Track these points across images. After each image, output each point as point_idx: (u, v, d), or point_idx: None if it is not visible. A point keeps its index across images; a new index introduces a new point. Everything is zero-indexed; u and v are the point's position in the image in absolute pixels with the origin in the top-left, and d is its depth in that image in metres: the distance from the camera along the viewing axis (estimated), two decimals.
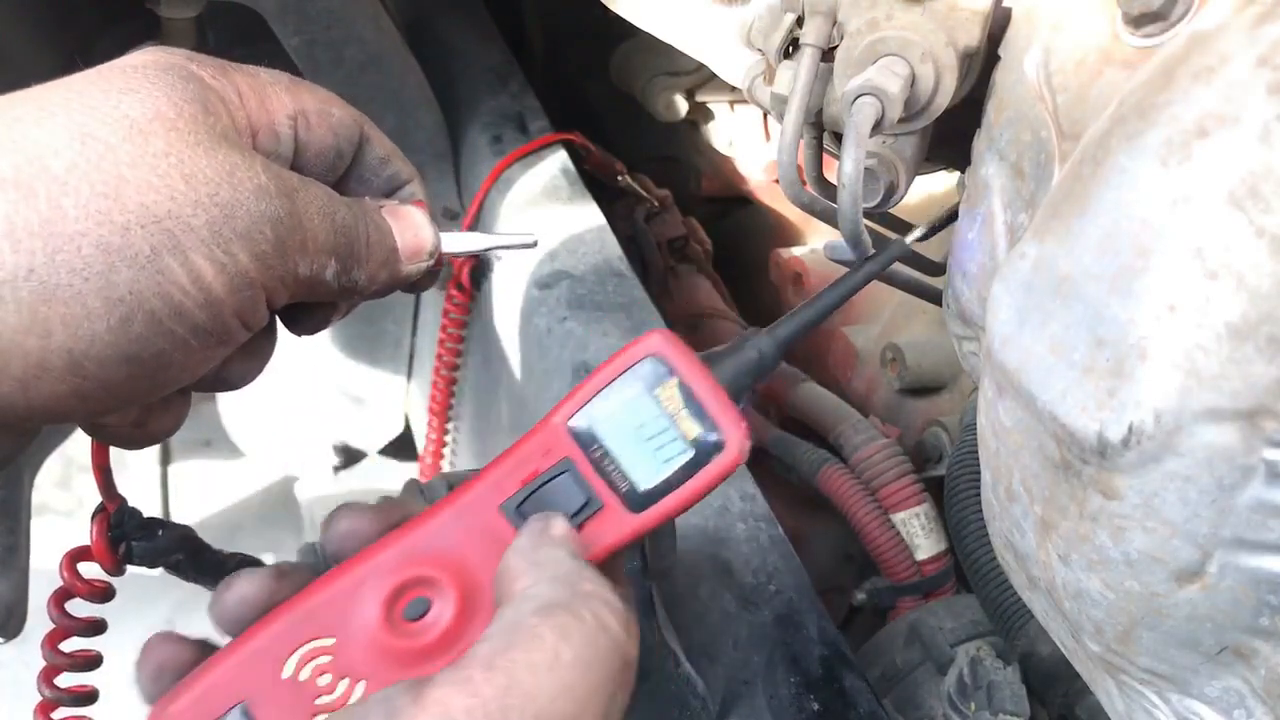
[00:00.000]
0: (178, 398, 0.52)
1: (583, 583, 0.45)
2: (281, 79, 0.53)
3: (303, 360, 1.70)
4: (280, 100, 0.51)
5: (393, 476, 1.91)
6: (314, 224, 0.48)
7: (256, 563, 0.62)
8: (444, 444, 1.55)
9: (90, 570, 0.58)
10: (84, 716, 0.60)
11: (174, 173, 0.44)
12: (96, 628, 0.58)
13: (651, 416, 0.50)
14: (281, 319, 0.55)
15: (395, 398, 1.76)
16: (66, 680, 0.59)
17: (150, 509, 1.96)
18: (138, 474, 1.98)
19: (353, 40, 1.29)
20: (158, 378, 0.46)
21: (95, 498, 0.58)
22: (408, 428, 1.82)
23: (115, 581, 0.59)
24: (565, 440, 0.50)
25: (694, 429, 0.49)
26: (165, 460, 2.01)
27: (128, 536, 0.56)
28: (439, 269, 0.57)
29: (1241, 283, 0.39)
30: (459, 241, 0.58)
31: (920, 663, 1.00)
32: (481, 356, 1.41)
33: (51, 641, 0.57)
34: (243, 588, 0.47)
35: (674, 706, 0.74)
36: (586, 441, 0.50)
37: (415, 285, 0.57)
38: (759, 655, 0.81)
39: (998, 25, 0.55)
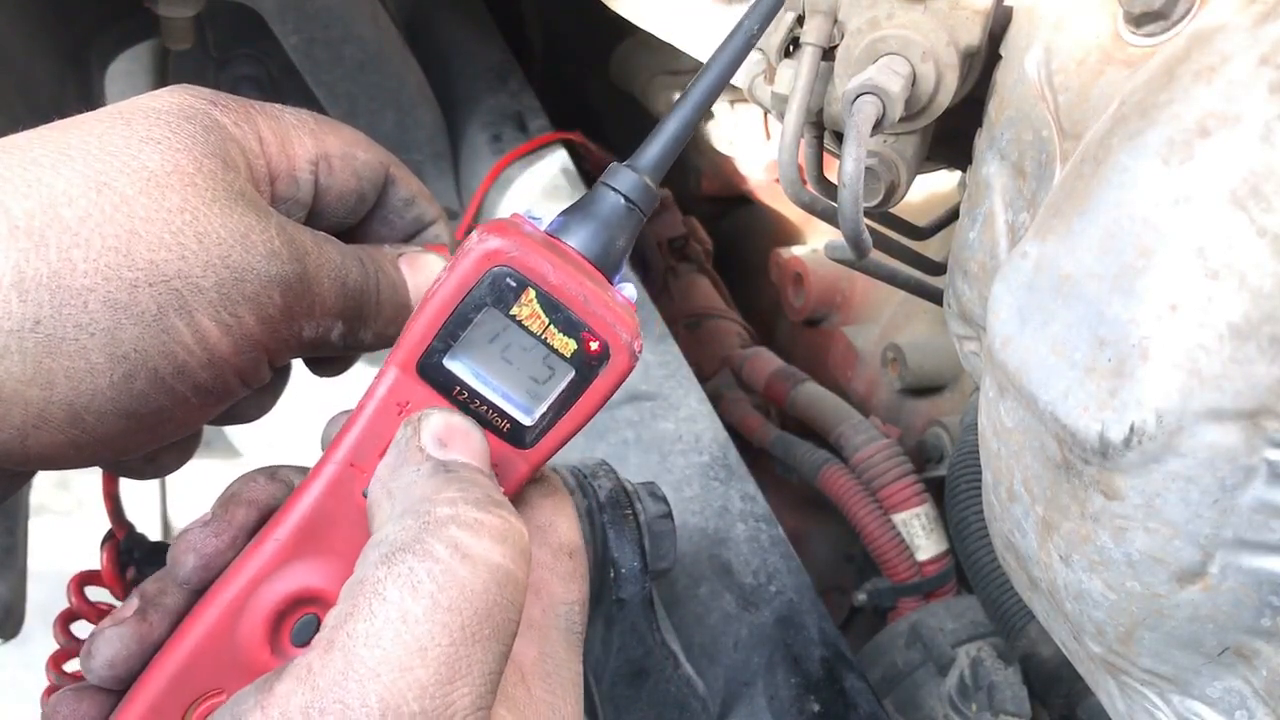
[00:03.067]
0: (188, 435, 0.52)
1: (437, 506, 0.39)
2: (307, 121, 0.52)
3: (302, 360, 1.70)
4: (303, 144, 0.51)
5: None
6: (323, 288, 0.48)
7: None
8: None
9: (96, 593, 0.59)
10: None
11: (187, 230, 0.43)
12: None
13: (515, 341, 0.43)
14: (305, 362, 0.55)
15: None
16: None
17: (148, 509, 1.96)
18: None
19: (351, 39, 1.29)
20: (156, 431, 0.45)
21: (94, 498, 0.59)
22: None
23: None
24: (419, 389, 0.44)
25: (569, 343, 0.43)
26: None
27: (136, 563, 0.57)
28: None
29: (1243, 282, 0.39)
30: None
31: (921, 663, 1.00)
32: None
33: (56, 662, 0.58)
34: (106, 651, 0.44)
35: (674, 707, 0.74)
36: (445, 385, 0.44)
37: None
38: (759, 656, 0.81)
39: (999, 24, 0.55)
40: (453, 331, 0.43)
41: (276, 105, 0.51)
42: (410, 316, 0.45)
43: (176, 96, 0.47)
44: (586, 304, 0.43)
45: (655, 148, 0.46)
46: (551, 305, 0.43)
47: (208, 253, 0.43)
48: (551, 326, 0.43)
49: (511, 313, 0.43)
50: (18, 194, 0.41)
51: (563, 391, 0.44)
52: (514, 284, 0.43)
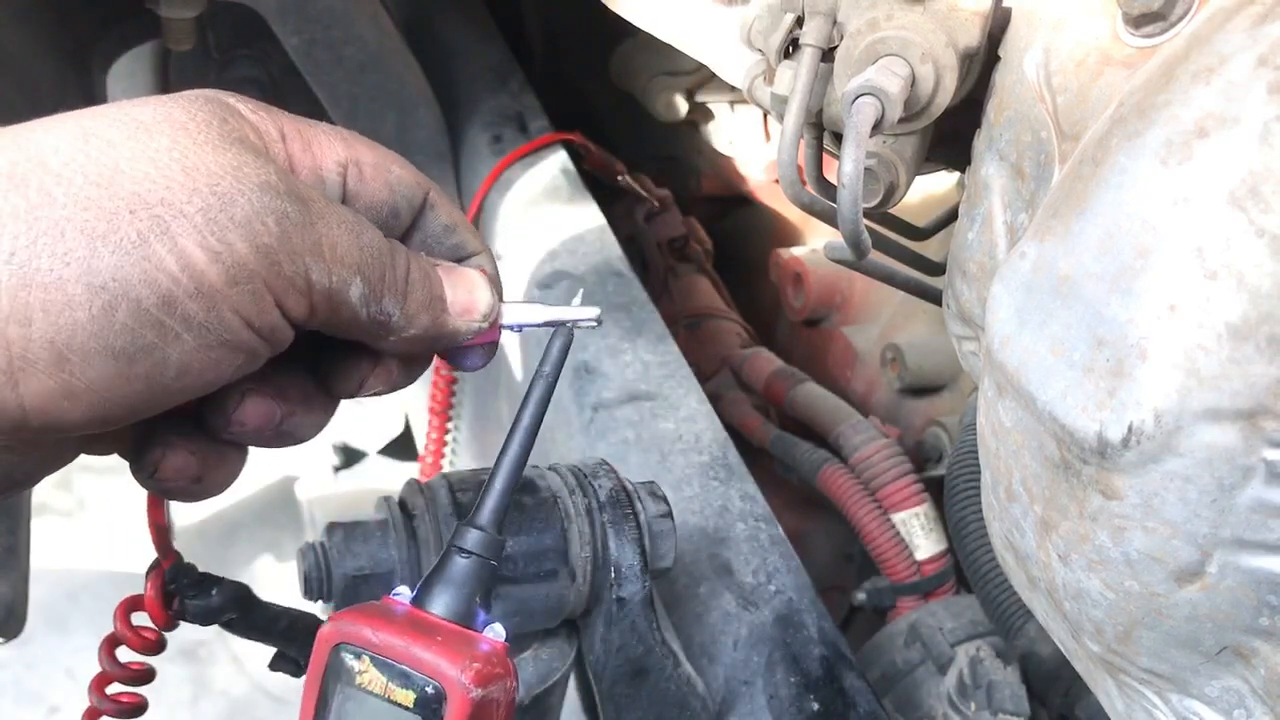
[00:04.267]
0: (233, 451, 0.50)
1: None
2: (339, 131, 0.50)
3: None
4: (331, 148, 0.49)
5: (393, 476, 1.91)
6: (332, 231, 0.45)
7: (310, 619, 0.62)
8: (444, 444, 1.55)
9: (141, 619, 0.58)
10: None
11: (174, 165, 0.42)
12: (145, 676, 0.58)
13: (369, 708, 0.46)
14: (316, 375, 0.52)
15: (395, 398, 1.76)
16: None
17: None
18: None
19: (352, 40, 1.29)
20: (153, 378, 0.43)
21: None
22: (408, 428, 1.82)
23: None
24: None
25: (408, 694, 0.45)
26: None
27: (182, 593, 0.56)
28: (493, 342, 0.54)
29: (1242, 283, 0.39)
30: (517, 313, 0.54)
31: (920, 663, 1.00)
32: None
33: (99, 686, 0.57)
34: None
35: (674, 706, 0.74)
36: None
37: (465, 358, 0.54)
38: (759, 655, 0.81)
39: (998, 25, 0.55)
40: (323, 716, 0.46)
41: (308, 119, 0.50)
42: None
43: (192, 91, 0.46)
44: (412, 654, 0.45)
45: (490, 501, 0.51)
46: (383, 664, 0.46)
47: (194, 181, 0.42)
48: (390, 684, 0.46)
49: (357, 683, 0.46)
50: (5, 150, 0.41)
51: None
52: (351, 655, 0.46)
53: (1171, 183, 0.41)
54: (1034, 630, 0.92)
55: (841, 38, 0.56)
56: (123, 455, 0.50)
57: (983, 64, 0.57)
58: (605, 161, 1.48)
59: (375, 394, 0.53)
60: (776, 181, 1.28)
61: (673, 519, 0.72)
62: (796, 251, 1.45)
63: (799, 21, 0.58)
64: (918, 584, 1.11)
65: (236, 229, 0.42)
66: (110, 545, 1.97)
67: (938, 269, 0.71)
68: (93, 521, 2.05)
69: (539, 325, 0.55)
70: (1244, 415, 0.40)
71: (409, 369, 0.53)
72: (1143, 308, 0.41)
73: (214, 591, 0.56)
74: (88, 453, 0.50)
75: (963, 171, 0.61)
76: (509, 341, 1.25)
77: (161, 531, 0.54)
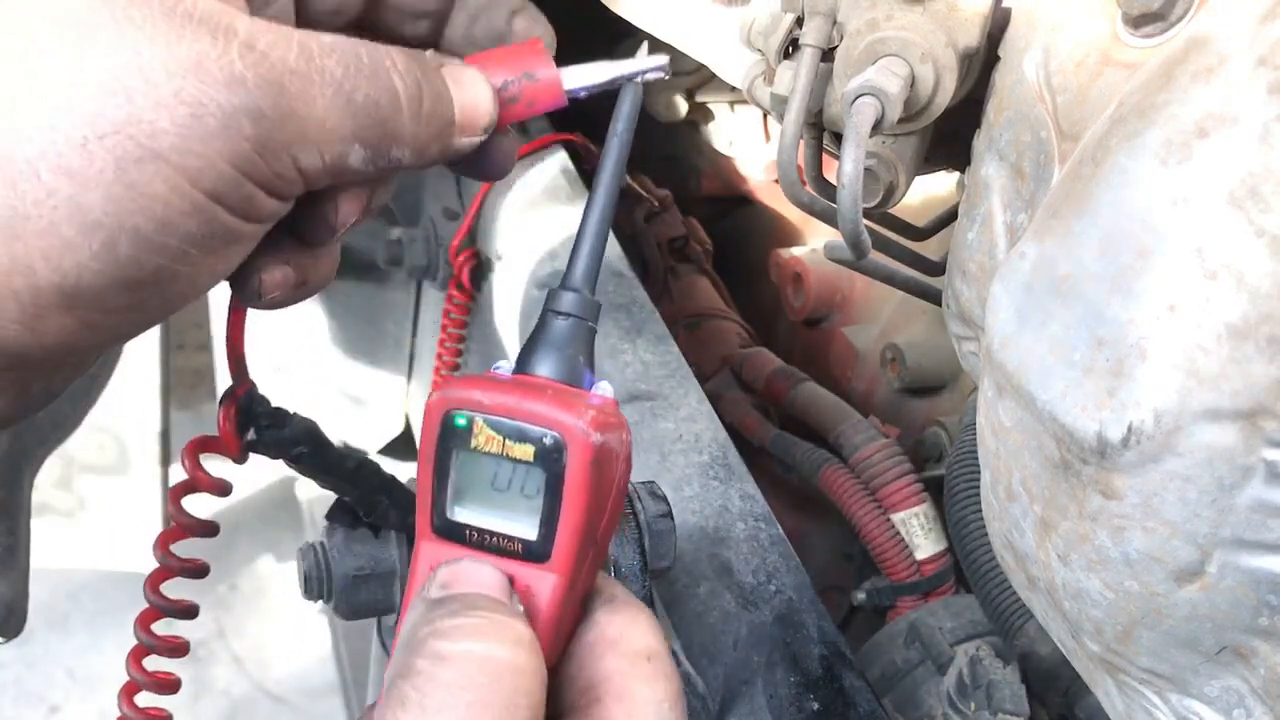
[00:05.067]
0: (325, 250, 0.49)
1: (419, 630, 0.41)
2: None
3: (303, 360, 1.70)
4: None
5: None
6: (316, 109, 0.42)
7: (375, 466, 0.61)
8: None
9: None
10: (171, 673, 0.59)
11: (129, 69, 0.39)
12: (200, 570, 0.57)
13: (491, 468, 0.46)
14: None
15: (395, 398, 1.76)
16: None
17: (150, 509, 1.97)
18: (138, 474, 1.99)
19: None
20: (168, 292, 0.42)
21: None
22: (408, 428, 1.82)
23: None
24: (442, 549, 0.46)
25: (526, 450, 0.45)
26: (165, 460, 2.01)
27: (256, 423, 0.54)
28: (508, 154, 0.52)
29: (1241, 283, 0.39)
30: (580, 75, 0.51)
31: (920, 662, 1.00)
32: (481, 356, 1.41)
33: (153, 583, 0.57)
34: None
35: None
36: (459, 535, 0.46)
37: (484, 166, 0.52)
38: (759, 655, 0.81)
39: (997, 26, 0.55)
40: (442, 485, 0.46)
41: None
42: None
43: None
44: (525, 409, 0.45)
45: (581, 263, 0.50)
46: (497, 424, 0.45)
47: (156, 91, 0.39)
48: (507, 441, 0.45)
49: (473, 446, 0.45)
50: None
51: (545, 494, 0.45)
52: (463, 421, 0.45)
53: (1171, 183, 0.41)
54: (1034, 630, 0.92)
55: (841, 38, 0.56)
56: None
57: (982, 64, 0.57)
58: None
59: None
60: (776, 181, 1.28)
61: (673, 519, 0.72)
62: (796, 251, 1.45)
63: (799, 21, 0.58)
64: (917, 584, 1.11)
65: (213, 141, 0.40)
66: (110, 545, 1.97)
67: (938, 269, 0.71)
68: (93, 521, 2.05)
69: (605, 84, 0.52)
70: (1244, 415, 0.40)
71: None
72: (1143, 308, 0.41)
73: (287, 424, 0.55)
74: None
75: (963, 171, 0.61)
76: (508, 342, 1.25)
77: (240, 358, 0.53)
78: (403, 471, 0.66)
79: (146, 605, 0.57)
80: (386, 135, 0.45)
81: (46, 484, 1.90)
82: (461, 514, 0.46)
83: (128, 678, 0.57)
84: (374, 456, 1.90)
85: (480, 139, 0.49)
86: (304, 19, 0.48)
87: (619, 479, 0.46)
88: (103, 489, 2.05)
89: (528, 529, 0.45)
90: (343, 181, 0.45)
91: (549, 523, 0.45)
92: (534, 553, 0.45)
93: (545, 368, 0.48)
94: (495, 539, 0.46)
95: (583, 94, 0.52)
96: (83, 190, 0.38)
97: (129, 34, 0.39)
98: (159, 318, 0.43)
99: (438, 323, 1.48)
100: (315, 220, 0.47)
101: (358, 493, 0.62)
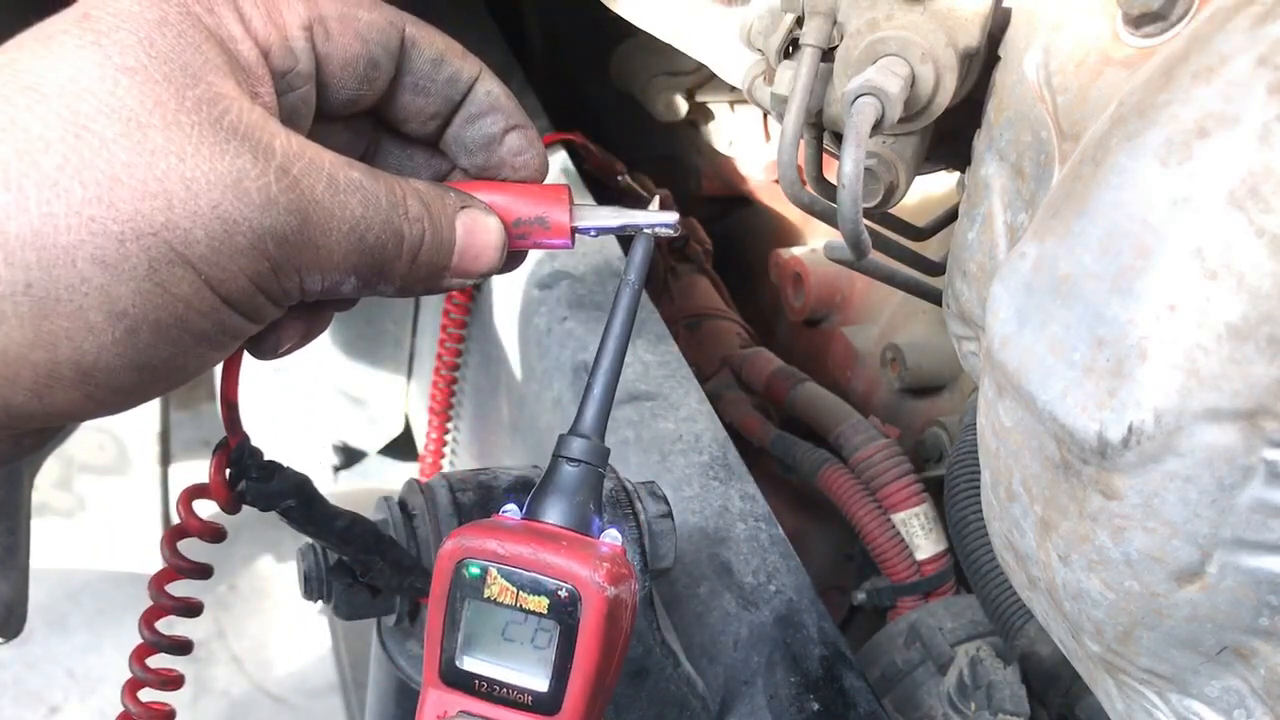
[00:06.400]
0: (328, 305, 0.52)
1: None
2: None
3: (303, 360, 1.70)
4: (293, 10, 0.47)
5: (393, 476, 1.91)
6: (330, 241, 0.45)
7: (368, 524, 0.62)
8: (444, 444, 1.55)
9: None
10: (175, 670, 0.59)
11: (173, 175, 0.41)
12: (204, 571, 0.58)
13: (503, 619, 0.46)
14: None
15: (395, 398, 1.76)
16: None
17: (150, 509, 1.96)
18: (138, 474, 1.99)
19: None
20: (172, 378, 0.45)
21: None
22: (408, 428, 1.82)
23: None
24: (449, 697, 0.47)
25: (540, 601, 0.45)
26: (165, 460, 2.01)
27: (246, 475, 0.55)
28: (565, 244, 0.53)
29: (1242, 283, 0.39)
30: (592, 216, 0.53)
31: (920, 663, 1.00)
32: (481, 356, 1.41)
33: (159, 582, 0.57)
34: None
35: (674, 706, 0.74)
36: (467, 684, 0.47)
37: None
38: (759, 655, 0.81)
39: (998, 25, 0.55)
40: (452, 633, 0.47)
41: None
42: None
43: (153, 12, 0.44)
44: (541, 560, 0.45)
45: (591, 409, 0.50)
46: (511, 574, 0.46)
47: (196, 201, 0.42)
48: (520, 592, 0.45)
49: (486, 595, 0.46)
50: None
51: (558, 646, 0.46)
52: (476, 570, 0.46)
53: (1171, 183, 0.41)
54: (1034, 630, 0.92)
55: (841, 38, 0.56)
56: None
57: (983, 64, 0.57)
58: (605, 161, 1.48)
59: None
60: (776, 181, 1.28)
61: (673, 519, 0.72)
62: (796, 251, 1.45)
63: (799, 21, 0.58)
64: (918, 584, 1.11)
65: (239, 258, 0.43)
66: (110, 545, 1.97)
67: (938, 269, 0.71)
68: (93, 521, 2.05)
69: (614, 229, 0.54)
70: (1244, 415, 0.40)
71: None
72: (1143, 308, 0.41)
73: (276, 477, 0.55)
74: None
75: (963, 171, 0.61)
76: (508, 342, 1.25)
77: (233, 409, 0.53)
78: (402, 471, 0.66)
79: (150, 604, 0.57)
80: (379, 274, 0.48)
81: (46, 484, 1.90)
82: (470, 663, 0.47)
83: (129, 676, 0.57)
84: (374, 456, 1.91)
85: (470, 283, 0.52)
86: (322, 107, 0.50)
87: (628, 628, 0.47)
88: (102, 489, 2.05)
89: (538, 680, 0.46)
90: (331, 298, 0.49)
91: (560, 675, 0.46)
92: (543, 704, 0.46)
93: (555, 514, 0.49)
94: (504, 690, 0.46)
95: (592, 234, 0.54)
96: (114, 282, 0.41)
97: (177, 139, 0.42)
98: (156, 396, 0.46)
99: (437, 322, 1.48)
100: (267, 339, 0.51)
101: (351, 551, 0.62)
